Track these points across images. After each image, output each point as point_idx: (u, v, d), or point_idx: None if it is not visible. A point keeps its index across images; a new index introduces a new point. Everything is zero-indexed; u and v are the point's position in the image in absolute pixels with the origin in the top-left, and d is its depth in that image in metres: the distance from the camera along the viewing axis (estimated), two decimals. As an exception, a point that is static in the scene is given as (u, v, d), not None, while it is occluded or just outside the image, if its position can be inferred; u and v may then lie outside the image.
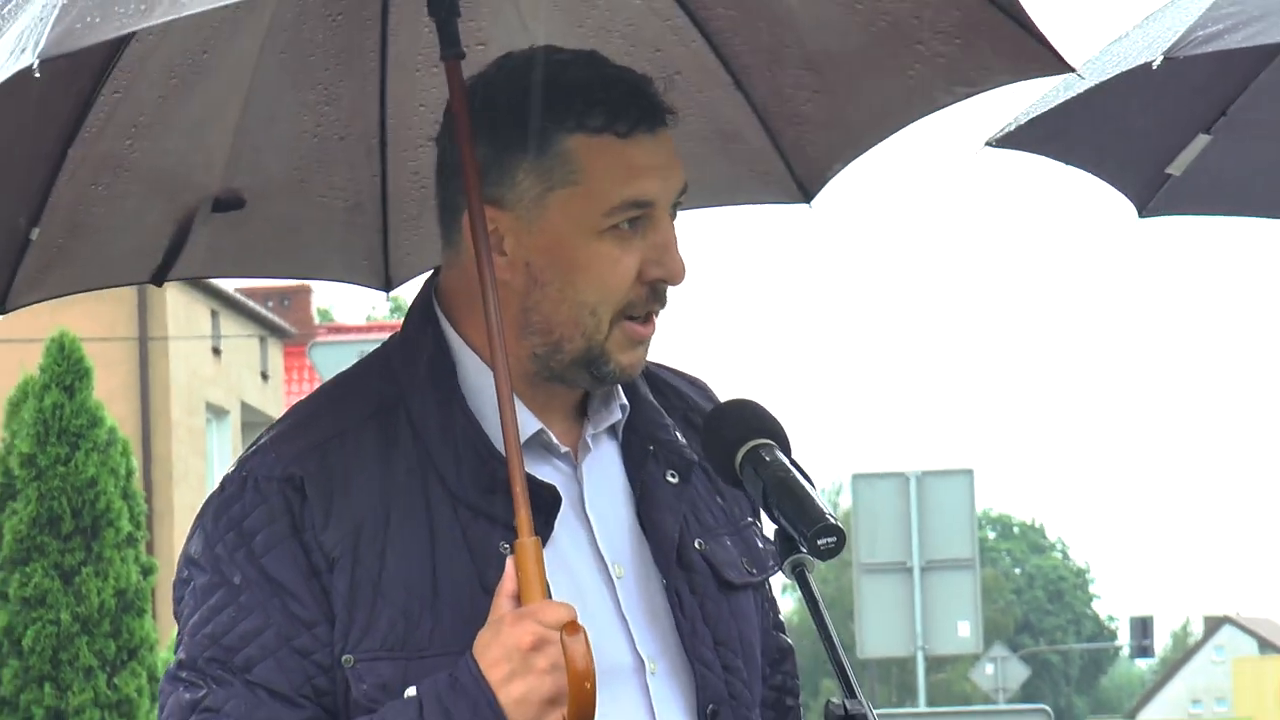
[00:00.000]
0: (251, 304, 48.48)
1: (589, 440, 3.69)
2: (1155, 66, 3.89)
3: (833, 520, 3.43)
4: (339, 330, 54.70)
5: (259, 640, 3.51)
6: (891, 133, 4.06)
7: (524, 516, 3.47)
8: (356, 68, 3.97)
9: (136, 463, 33.14)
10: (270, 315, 49.68)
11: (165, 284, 4.09)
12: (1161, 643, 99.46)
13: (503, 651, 3.40)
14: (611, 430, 3.72)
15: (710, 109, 4.07)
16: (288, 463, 3.57)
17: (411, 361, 3.66)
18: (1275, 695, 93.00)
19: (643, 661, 3.60)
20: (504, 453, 3.51)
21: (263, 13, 3.80)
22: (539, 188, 3.55)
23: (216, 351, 46.02)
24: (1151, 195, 4.47)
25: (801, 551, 3.44)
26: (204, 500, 3.55)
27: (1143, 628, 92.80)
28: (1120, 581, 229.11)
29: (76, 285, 4.09)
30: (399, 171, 4.11)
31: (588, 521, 3.64)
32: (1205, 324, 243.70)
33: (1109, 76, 4.02)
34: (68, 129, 3.76)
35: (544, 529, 3.52)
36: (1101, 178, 4.50)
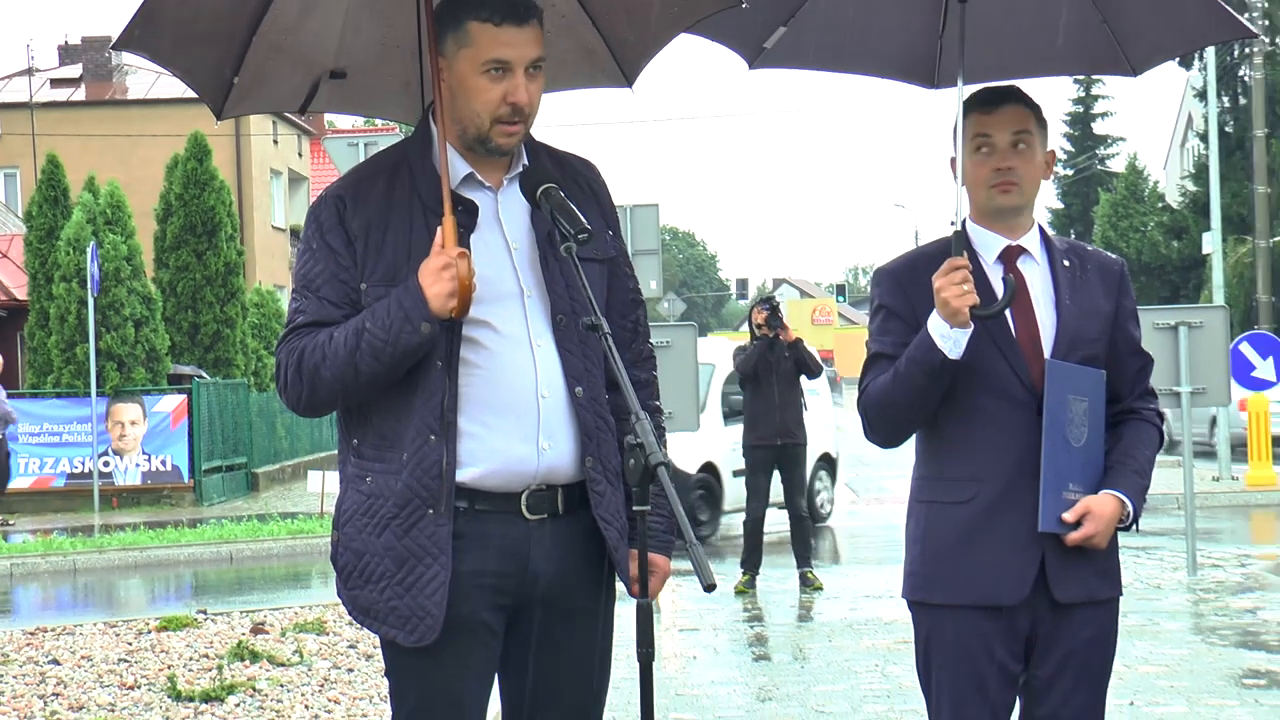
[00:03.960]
0: (293, 118, 47.70)
1: (505, 181, 3.62)
2: None
3: (587, 225, 3.47)
4: (338, 132, 53.76)
5: (322, 275, 3.54)
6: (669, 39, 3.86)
7: (448, 209, 3.47)
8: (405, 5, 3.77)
9: (234, 198, 32.60)
10: (303, 123, 48.89)
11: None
12: (751, 292, 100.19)
13: (428, 270, 3.44)
14: (519, 177, 3.63)
15: (578, 34, 3.87)
16: (339, 190, 3.58)
17: (414, 141, 3.62)
18: (809, 319, 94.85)
19: (522, 290, 3.55)
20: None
21: None
22: (455, 48, 3.51)
23: (275, 141, 45.45)
24: (755, 57, 4.36)
25: (569, 241, 3.46)
26: (305, 213, 3.43)
27: (742, 285, 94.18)
28: (733, 260, 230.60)
29: (257, 110, 3.96)
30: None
31: (500, 222, 3.58)
32: (800, 122, 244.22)
33: None
34: (253, 26, 3.67)
35: (470, 223, 3.52)
36: (730, 48, 4.35)
